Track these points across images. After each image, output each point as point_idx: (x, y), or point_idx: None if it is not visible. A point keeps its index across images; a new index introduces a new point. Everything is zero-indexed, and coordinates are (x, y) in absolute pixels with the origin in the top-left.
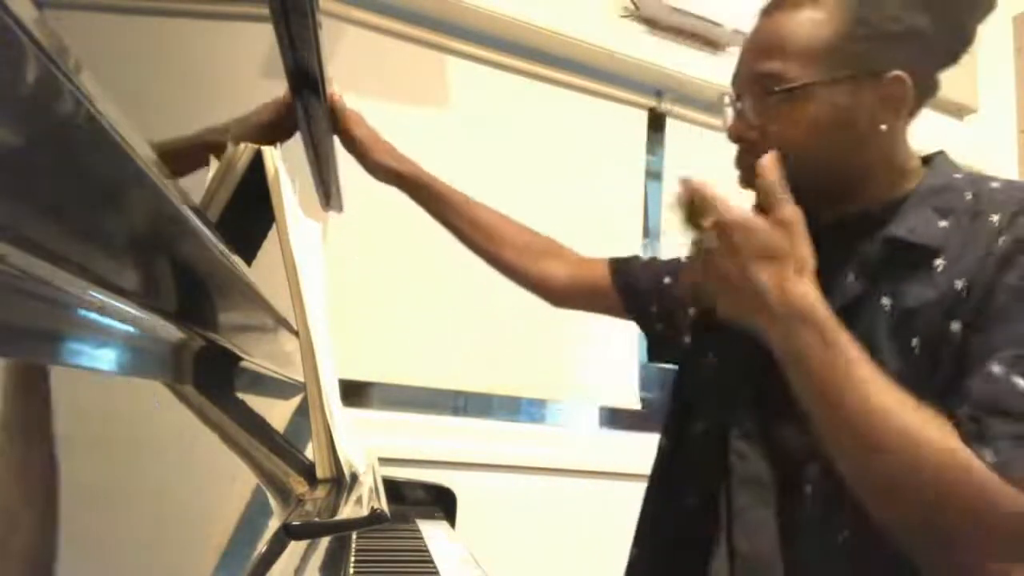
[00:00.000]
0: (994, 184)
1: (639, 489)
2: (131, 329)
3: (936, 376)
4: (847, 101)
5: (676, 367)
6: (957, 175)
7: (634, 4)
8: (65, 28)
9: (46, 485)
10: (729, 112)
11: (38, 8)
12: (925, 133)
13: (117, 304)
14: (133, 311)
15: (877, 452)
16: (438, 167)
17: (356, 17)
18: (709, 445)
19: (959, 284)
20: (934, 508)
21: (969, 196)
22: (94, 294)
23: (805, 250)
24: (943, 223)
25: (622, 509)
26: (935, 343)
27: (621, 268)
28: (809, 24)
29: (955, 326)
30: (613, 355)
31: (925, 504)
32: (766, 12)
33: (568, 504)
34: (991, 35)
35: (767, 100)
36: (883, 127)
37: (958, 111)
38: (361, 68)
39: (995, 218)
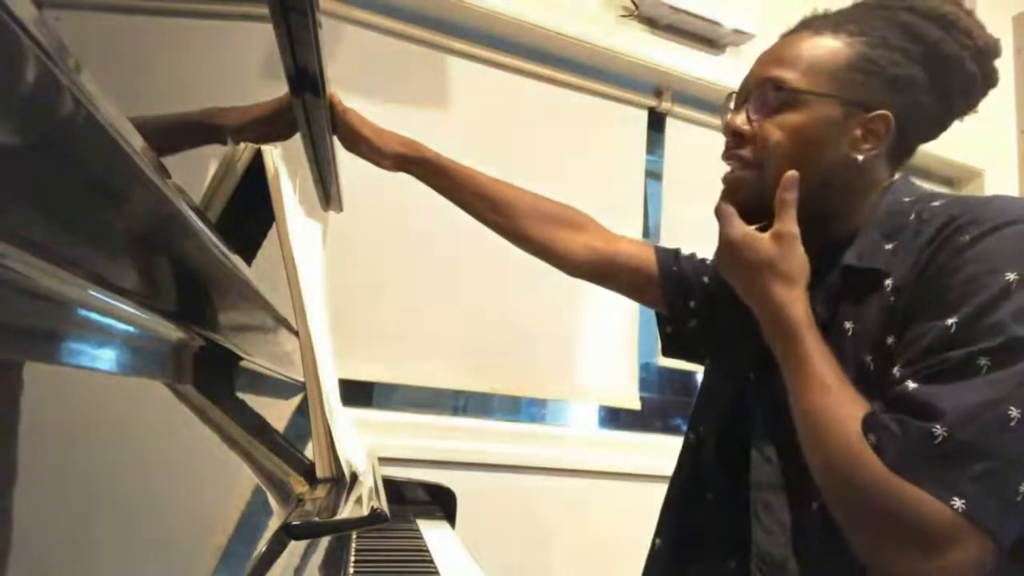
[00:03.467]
0: (936, 202)
1: (639, 489)
2: (131, 329)
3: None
4: (834, 121)
5: (698, 363)
6: (908, 198)
7: (634, 4)
8: (65, 28)
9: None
10: (731, 110)
11: (38, 8)
12: None
13: (117, 304)
14: (133, 311)
15: (809, 439)
16: None
17: (356, 17)
18: (731, 444)
19: (891, 300)
20: (830, 488)
21: (913, 217)
22: (94, 294)
23: (795, 262)
24: (889, 245)
25: (622, 509)
26: (882, 358)
27: (668, 256)
28: (823, 47)
29: (890, 340)
30: (613, 355)
31: (828, 485)
32: (791, 32)
33: (568, 504)
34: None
35: (767, 99)
36: (859, 157)
37: None
38: (361, 68)
39: (928, 232)
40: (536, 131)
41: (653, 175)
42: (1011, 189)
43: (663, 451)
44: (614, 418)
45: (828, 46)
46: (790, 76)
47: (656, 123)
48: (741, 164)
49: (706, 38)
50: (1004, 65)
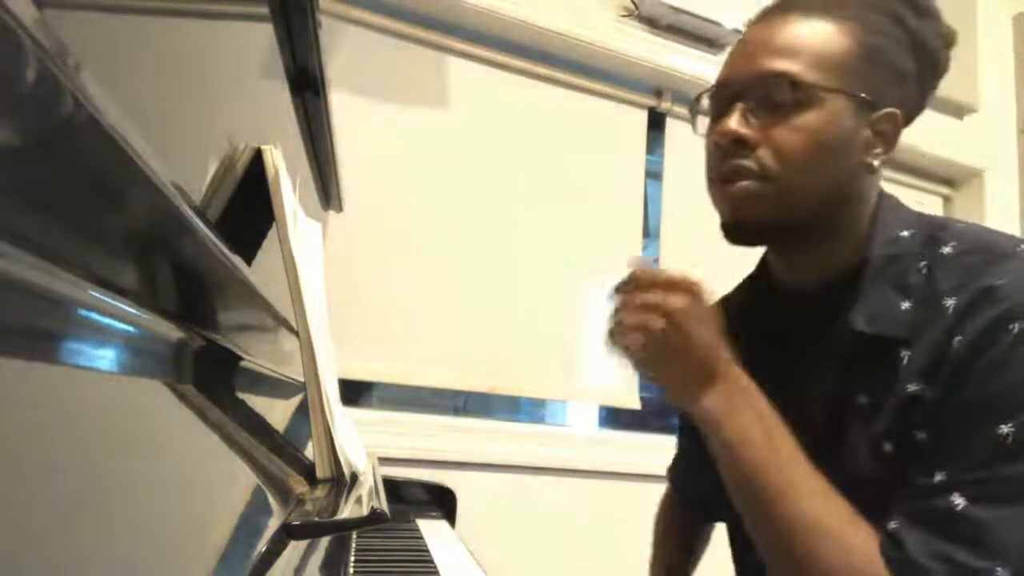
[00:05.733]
0: (945, 249)
1: (639, 489)
2: (131, 329)
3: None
4: (848, 122)
5: None
6: (905, 232)
7: (634, 4)
8: (65, 28)
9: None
10: (701, 115)
11: (38, 8)
12: (925, 133)
13: (117, 304)
14: (133, 311)
15: (795, 554)
16: (438, 167)
17: (356, 17)
18: None
19: (913, 387)
20: None
21: (924, 269)
22: (94, 294)
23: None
24: (905, 304)
25: (622, 508)
26: (903, 446)
27: (679, 475)
28: (824, 33)
29: (920, 435)
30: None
31: None
32: (771, 14)
33: (568, 504)
34: (991, 35)
35: (776, 98)
36: (875, 163)
37: (958, 111)
38: (361, 68)
39: (949, 303)
40: (536, 131)
41: (653, 175)
42: (1011, 189)
43: (663, 451)
44: (614, 418)
45: (827, 32)
46: (798, 69)
47: (656, 123)
48: (745, 176)
49: (706, 38)
50: (1004, 65)
